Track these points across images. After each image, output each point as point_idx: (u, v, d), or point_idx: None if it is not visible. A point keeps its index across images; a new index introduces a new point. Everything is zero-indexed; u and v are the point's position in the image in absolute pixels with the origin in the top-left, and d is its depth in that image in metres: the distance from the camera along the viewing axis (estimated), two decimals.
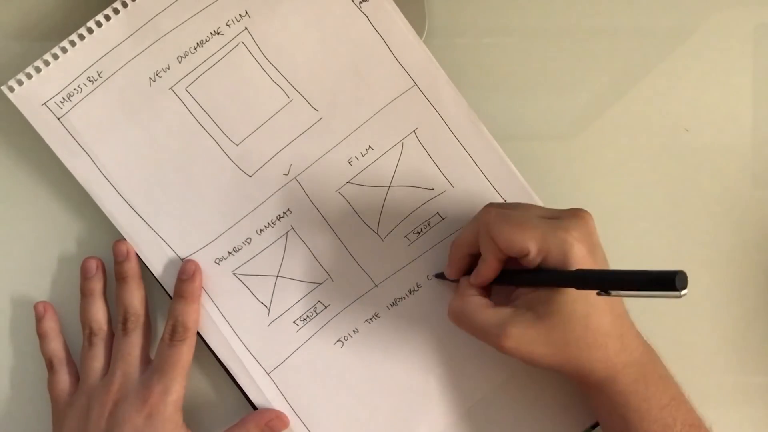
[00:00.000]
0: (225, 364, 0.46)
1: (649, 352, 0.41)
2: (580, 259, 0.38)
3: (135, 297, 0.45)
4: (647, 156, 0.49)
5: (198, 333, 0.46)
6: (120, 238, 0.46)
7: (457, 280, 0.44)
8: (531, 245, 0.39)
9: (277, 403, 0.46)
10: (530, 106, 0.49)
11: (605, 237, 0.48)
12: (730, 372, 0.48)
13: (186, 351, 0.44)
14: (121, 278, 0.46)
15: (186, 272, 0.45)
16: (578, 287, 0.37)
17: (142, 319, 0.45)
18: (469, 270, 0.43)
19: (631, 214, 0.49)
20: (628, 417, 0.40)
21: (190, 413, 0.45)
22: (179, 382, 0.44)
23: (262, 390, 0.46)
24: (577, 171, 0.49)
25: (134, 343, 0.45)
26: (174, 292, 0.45)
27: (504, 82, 0.49)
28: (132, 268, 0.46)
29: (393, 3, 0.46)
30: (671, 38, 0.49)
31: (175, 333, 0.44)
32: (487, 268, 0.41)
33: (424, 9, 0.48)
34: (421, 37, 0.47)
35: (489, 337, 0.40)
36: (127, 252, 0.46)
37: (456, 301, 0.42)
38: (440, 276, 0.46)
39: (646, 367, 0.41)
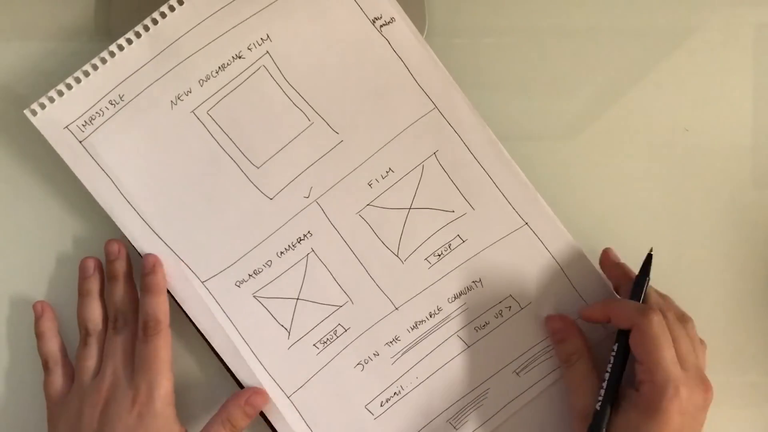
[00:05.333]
0: (245, 386, 0.46)
1: None
2: (670, 413, 0.40)
3: (125, 296, 0.45)
4: (647, 156, 0.49)
5: (220, 357, 0.46)
6: (113, 237, 0.46)
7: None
8: (653, 368, 0.40)
9: (299, 427, 0.46)
10: (530, 106, 0.49)
11: (606, 236, 0.47)
12: (730, 372, 0.48)
13: (163, 344, 0.44)
14: (112, 277, 0.46)
15: (147, 266, 0.45)
16: None
17: (131, 317, 0.45)
18: None
19: (631, 213, 0.49)
20: None
21: (187, 411, 0.46)
22: (164, 376, 0.43)
23: (282, 413, 0.46)
24: (577, 171, 0.49)
25: (123, 342, 0.45)
26: (140, 287, 0.45)
27: (504, 82, 0.49)
28: (122, 266, 0.46)
29: (413, 26, 0.46)
30: (671, 38, 0.49)
31: (147, 328, 0.44)
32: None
33: (424, 9, 0.48)
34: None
35: None
36: (119, 251, 0.46)
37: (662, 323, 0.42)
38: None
39: None
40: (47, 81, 0.45)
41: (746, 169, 0.49)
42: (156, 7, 0.45)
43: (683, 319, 0.44)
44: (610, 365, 0.43)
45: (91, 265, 0.46)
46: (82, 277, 0.46)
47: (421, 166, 0.46)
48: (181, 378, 0.46)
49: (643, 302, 0.43)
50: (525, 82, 0.49)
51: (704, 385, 0.41)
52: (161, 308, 0.45)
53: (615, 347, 0.43)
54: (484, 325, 0.46)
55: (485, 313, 0.46)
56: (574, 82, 0.49)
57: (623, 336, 0.43)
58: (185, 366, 0.47)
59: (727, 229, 0.48)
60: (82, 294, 0.46)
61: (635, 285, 0.44)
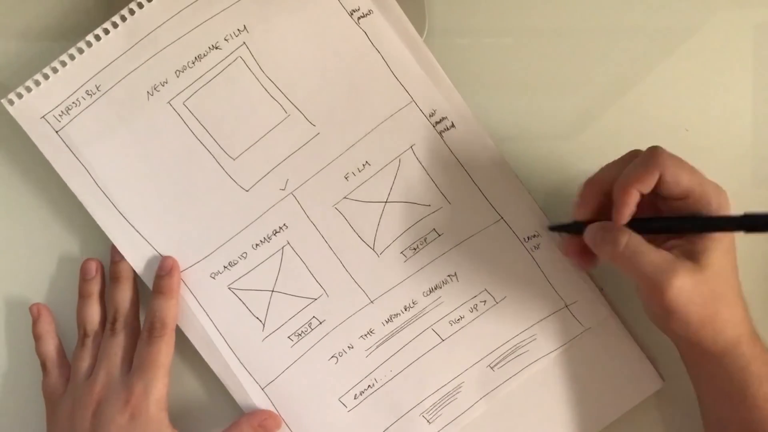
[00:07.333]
0: (220, 378, 0.46)
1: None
2: (728, 212, 0.39)
3: (126, 297, 0.46)
4: None
5: (195, 346, 0.46)
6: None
7: (578, 228, 0.42)
8: (696, 188, 0.39)
9: None
10: (530, 106, 0.49)
11: None
12: None
13: (165, 348, 0.44)
14: (114, 278, 0.46)
15: (164, 268, 0.45)
16: (759, 230, 0.38)
17: (130, 319, 0.45)
18: (597, 216, 0.42)
19: None
20: (748, 382, 0.40)
21: (182, 416, 0.46)
22: (161, 380, 0.43)
23: (256, 405, 0.46)
24: (577, 171, 0.48)
25: (120, 343, 0.45)
26: (153, 288, 0.45)
27: (504, 82, 0.49)
28: (126, 268, 0.46)
29: (396, 14, 0.46)
30: (671, 38, 0.49)
31: (153, 329, 0.44)
32: (630, 204, 0.40)
33: (424, 9, 0.48)
34: (421, 37, 0.47)
35: (650, 283, 0.39)
36: None
37: (621, 236, 0.39)
38: (558, 228, 0.45)
39: (757, 334, 0.41)
40: None
41: (746, 169, 0.49)
42: None
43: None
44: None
45: (92, 267, 0.46)
46: (83, 279, 0.46)
47: (397, 159, 0.46)
48: (179, 387, 0.47)
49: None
50: (525, 82, 0.49)
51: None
52: (171, 312, 0.45)
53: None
54: (458, 319, 0.46)
55: (460, 306, 0.46)
56: (574, 82, 0.49)
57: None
58: (184, 375, 0.47)
59: None
60: (83, 295, 0.46)
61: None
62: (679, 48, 0.49)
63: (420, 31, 0.47)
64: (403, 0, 0.46)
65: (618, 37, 0.49)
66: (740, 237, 0.47)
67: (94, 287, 0.46)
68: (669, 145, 0.48)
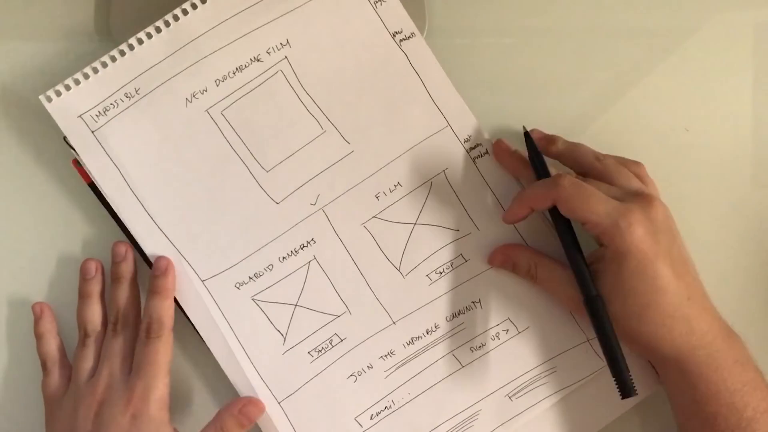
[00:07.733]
0: (236, 389, 0.46)
1: (725, 338, 0.42)
2: (637, 240, 0.40)
3: (128, 298, 0.45)
4: (647, 156, 0.48)
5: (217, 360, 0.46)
6: (120, 239, 0.46)
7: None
8: (592, 218, 0.40)
9: None
10: (530, 106, 0.49)
11: None
12: None
13: (163, 348, 0.44)
14: (116, 279, 0.46)
15: (159, 268, 0.45)
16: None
17: (132, 320, 0.45)
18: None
19: None
20: (696, 397, 0.41)
21: (183, 416, 0.46)
22: (161, 380, 0.43)
23: (271, 418, 0.46)
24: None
25: (122, 344, 0.45)
26: (149, 289, 0.45)
27: (504, 82, 0.49)
28: (127, 269, 0.46)
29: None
30: (671, 38, 0.49)
31: (150, 330, 0.44)
32: (519, 216, 0.44)
33: (424, 9, 0.48)
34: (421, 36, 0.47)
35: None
36: (125, 253, 0.46)
37: (575, 181, 0.41)
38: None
39: (719, 352, 0.41)
40: (46, 80, 0.45)
41: (746, 169, 0.49)
42: (156, 7, 0.45)
43: (608, 159, 0.44)
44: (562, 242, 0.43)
45: (92, 267, 0.46)
46: (83, 279, 0.46)
47: (429, 182, 0.47)
48: (177, 384, 0.46)
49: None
50: (525, 82, 0.49)
51: (646, 199, 0.41)
52: (167, 312, 0.45)
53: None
54: (480, 346, 0.46)
55: (482, 334, 0.46)
56: (574, 82, 0.49)
57: (555, 210, 0.42)
58: (183, 372, 0.47)
59: (727, 229, 0.48)
60: (83, 296, 0.46)
61: (533, 165, 0.44)
62: (679, 48, 0.49)
63: (420, 31, 0.47)
64: (403, 0, 0.46)
65: (618, 37, 0.49)
66: (740, 238, 0.46)
67: (94, 287, 0.46)
68: (669, 145, 0.48)
